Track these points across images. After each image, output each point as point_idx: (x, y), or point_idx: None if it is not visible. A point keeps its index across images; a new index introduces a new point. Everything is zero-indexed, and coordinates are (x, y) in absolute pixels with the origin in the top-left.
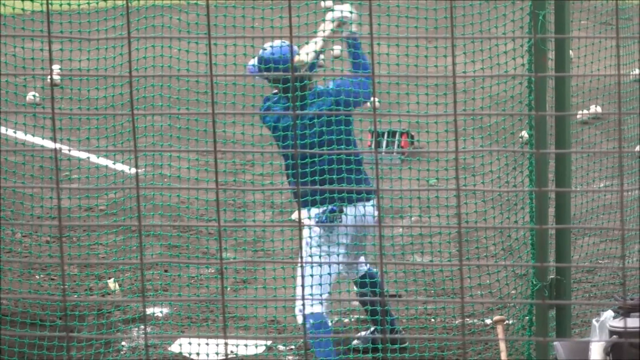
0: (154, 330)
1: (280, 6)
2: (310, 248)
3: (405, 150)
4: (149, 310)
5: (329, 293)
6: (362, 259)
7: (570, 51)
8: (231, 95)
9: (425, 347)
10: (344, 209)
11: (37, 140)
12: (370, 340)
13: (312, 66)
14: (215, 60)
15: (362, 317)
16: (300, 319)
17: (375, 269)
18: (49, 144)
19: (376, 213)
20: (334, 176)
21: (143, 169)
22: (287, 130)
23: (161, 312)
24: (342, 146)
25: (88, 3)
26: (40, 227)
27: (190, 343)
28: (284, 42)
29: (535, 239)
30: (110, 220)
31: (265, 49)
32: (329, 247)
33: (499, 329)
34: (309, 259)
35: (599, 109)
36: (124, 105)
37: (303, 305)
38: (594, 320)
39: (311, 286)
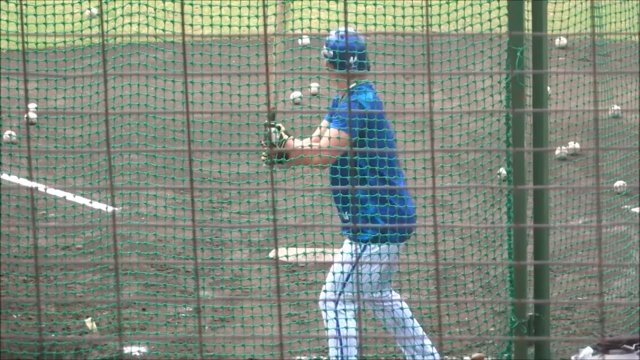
0: None
1: (257, 44)
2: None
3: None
4: (126, 350)
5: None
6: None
7: (548, 87)
8: (208, 133)
9: None
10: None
11: (13, 179)
12: None
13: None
14: (191, 98)
15: None
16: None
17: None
18: (25, 182)
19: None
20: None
21: (120, 207)
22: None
23: (139, 351)
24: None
25: (64, 41)
26: (17, 266)
27: None
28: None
29: (513, 275)
30: (88, 259)
31: (332, 39)
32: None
33: None
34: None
35: (577, 145)
36: (100, 144)
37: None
38: (572, 357)
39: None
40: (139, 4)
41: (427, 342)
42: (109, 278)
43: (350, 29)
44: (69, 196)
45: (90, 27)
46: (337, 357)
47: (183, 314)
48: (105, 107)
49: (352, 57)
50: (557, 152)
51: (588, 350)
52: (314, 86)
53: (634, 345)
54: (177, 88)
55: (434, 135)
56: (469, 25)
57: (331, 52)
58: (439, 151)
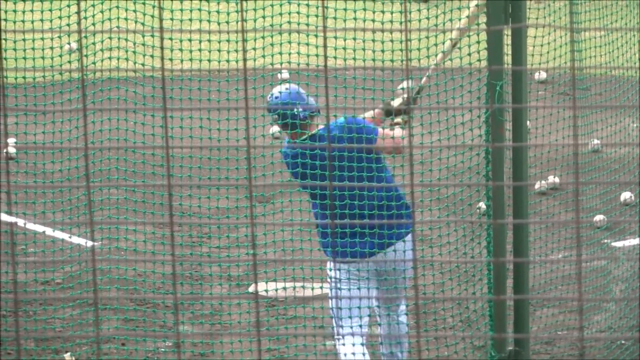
0: None
1: (236, 78)
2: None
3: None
4: None
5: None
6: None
7: (528, 121)
8: (187, 168)
9: None
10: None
11: None
12: None
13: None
14: (171, 133)
15: None
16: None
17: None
18: (4, 217)
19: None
20: (373, 212)
21: (99, 242)
22: (304, 168)
23: None
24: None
25: (44, 76)
26: None
27: None
28: (287, 88)
29: (493, 310)
30: (67, 293)
31: (272, 95)
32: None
33: None
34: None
35: (556, 180)
36: (80, 178)
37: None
38: None
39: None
40: (119, 39)
41: None
42: (89, 313)
43: (293, 87)
44: (49, 231)
45: (69, 62)
46: None
47: (162, 349)
48: (85, 141)
49: (295, 108)
50: (537, 186)
51: None
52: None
53: None
54: (156, 122)
55: (414, 169)
56: (448, 60)
57: (275, 116)
58: (419, 185)
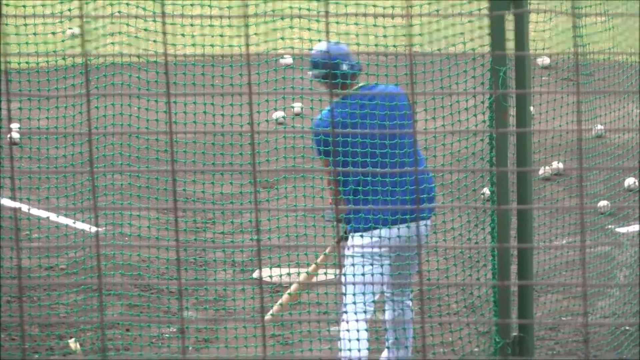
0: None
1: (240, 64)
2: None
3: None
4: None
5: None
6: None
7: (532, 107)
8: (191, 153)
9: None
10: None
11: None
12: None
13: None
14: (174, 118)
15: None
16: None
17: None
18: (8, 203)
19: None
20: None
21: (103, 228)
22: (353, 118)
23: None
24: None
25: (47, 61)
26: (0, 287)
27: None
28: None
29: (497, 296)
30: (71, 279)
31: (318, 49)
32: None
33: None
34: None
35: (560, 165)
36: (83, 164)
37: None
38: None
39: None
40: (120, 24)
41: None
42: (93, 298)
43: (326, 44)
44: (53, 216)
45: (72, 47)
46: None
47: (167, 335)
48: (88, 127)
49: (342, 66)
50: (541, 172)
51: None
52: (297, 106)
53: None
54: (160, 108)
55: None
56: (451, 45)
57: (316, 72)
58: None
